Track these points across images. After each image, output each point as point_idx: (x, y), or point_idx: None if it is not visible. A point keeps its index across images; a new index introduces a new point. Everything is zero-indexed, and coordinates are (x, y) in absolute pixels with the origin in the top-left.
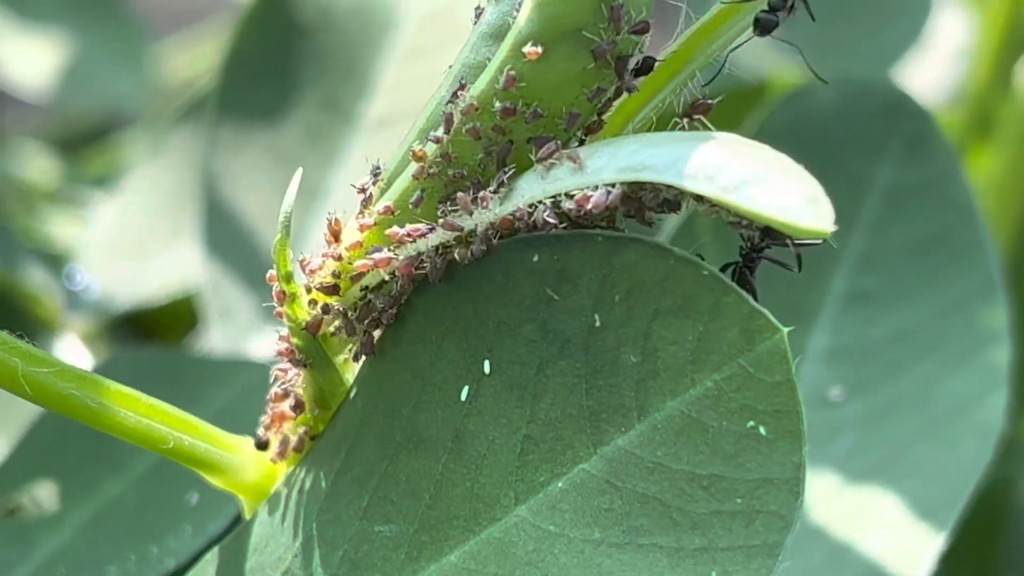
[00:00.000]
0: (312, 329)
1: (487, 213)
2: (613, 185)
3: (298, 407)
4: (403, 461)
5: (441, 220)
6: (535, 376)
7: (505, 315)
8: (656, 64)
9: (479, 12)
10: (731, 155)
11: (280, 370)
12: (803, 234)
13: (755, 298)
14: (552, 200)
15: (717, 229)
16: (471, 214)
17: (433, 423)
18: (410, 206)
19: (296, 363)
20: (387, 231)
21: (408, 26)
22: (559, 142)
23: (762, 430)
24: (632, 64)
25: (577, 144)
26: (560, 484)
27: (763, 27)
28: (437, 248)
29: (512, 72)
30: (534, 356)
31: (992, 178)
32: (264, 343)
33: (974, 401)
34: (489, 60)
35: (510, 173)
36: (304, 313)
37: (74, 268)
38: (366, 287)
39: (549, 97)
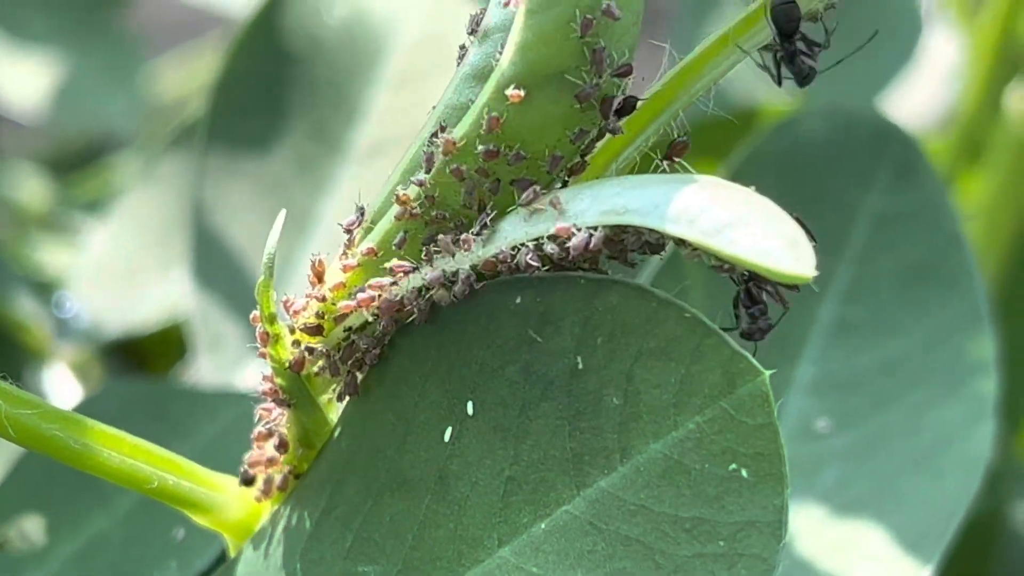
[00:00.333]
0: (296, 367)
1: (470, 255)
2: (596, 228)
3: (282, 446)
4: (387, 501)
5: (425, 261)
6: (518, 418)
7: (488, 356)
8: (638, 104)
9: (462, 53)
10: (712, 198)
11: (264, 409)
12: (784, 278)
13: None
14: (535, 243)
15: (703, 270)
16: (453, 256)
17: (417, 464)
18: (393, 247)
19: (280, 403)
20: (372, 281)
21: (398, 54)
22: (540, 185)
23: (744, 473)
24: (615, 105)
25: (560, 185)
26: (543, 525)
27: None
28: (420, 290)
29: (494, 114)
30: (517, 398)
31: (982, 202)
32: (253, 373)
33: (961, 432)
34: (472, 101)
35: (492, 215)
36: (287, 354)
37: (63, 295)
38: (349, 328)
39: (532, 139)
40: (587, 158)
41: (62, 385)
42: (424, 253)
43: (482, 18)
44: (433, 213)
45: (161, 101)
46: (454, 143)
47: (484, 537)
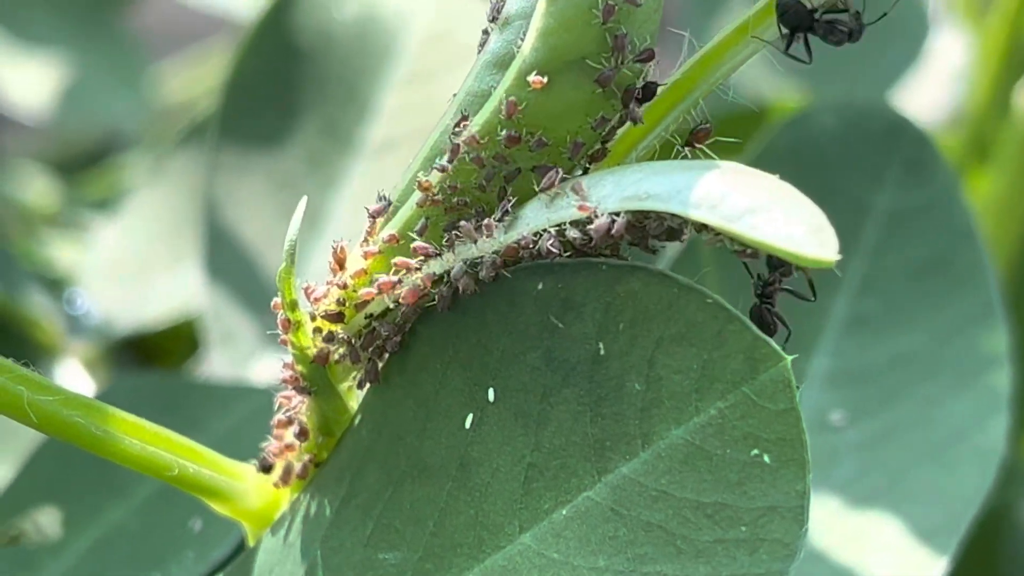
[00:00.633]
0: (320, 360)
1: (492, 241)
2: (618, 214)
3: (302, 434)
4: (407, 489)
5: (446, 247)
6: (539, 404)
7: (509, 343)
8: (659, 90)
9: (483, 40)
10: (735, 184)
11: (284, 397)
12: (808, 263)
13: (787, 332)
14: (556, 228)
15: (718, 258)
16: (475, 242)
17: (437, 451)
18: (415, 234)
19: (300, 391)
20: (396, 260)
21: (409, 51)
22: (561, 171)
23: (766, 458)
24: (636, 92)
25: (581, 172)
26: (564, 512)
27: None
28: (442, 277)
29: (512, 98)
30: (538, 384)
31: (990, 201)
32: (265, 368)
33: (974, 425)
34: (493, 88)
35: (514, 201)
36: (308, 341)
37: (75, 292)
38: (371, 315)
39: (553, 126)
40: (608, 145)
41: (74, 381)
42: (446, 240)
43: (503, 5)
44: (455, 200)
45: (167, 103)
46: (477, 135)
47: (505, 524)
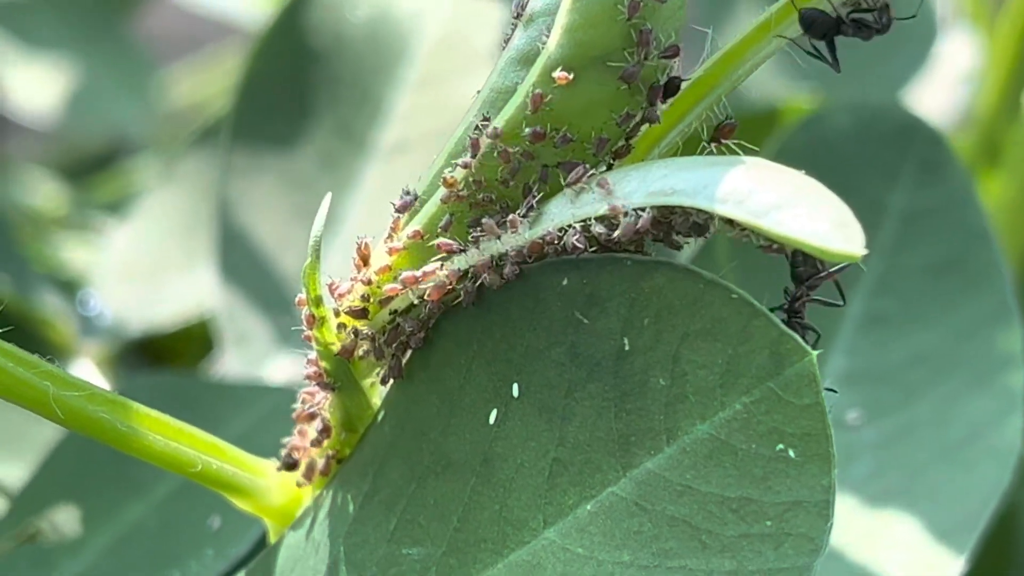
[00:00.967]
0: (346, 355)
1: (517, 237)
2: (643, 209)
3: (325, 430)
4: (431, 484)
5: (471, 243)
6: (564, 399)
7: (534, 338)
8: (682, 85)
9: (507, 37)
10: (760, 179)
11: (308, 393)
12: (834, 258)
13: (816, 342)
14: (582, 224)
15: (737, 257)
16: (500, 238)
17: (461, 446)
18: (439, 230)
19: (324, 386)
20: (424, 268)
21: (421, 53)
22: (587, 166)
23: (791, 453)
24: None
25: (606, 168)
26: (589, 507)
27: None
28: (467, 272)
29: (538, 91)
30: (563, 379)
31: (1001, 203)
32: (280, 369)
33: (991, 424)
34: (518, 85)
35: (539, 197)
36: (333, 336)
37: (87, 293)
38: (395, 311)
39: (578, 122)
40: (632, 141)
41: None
42: (470, 236)
43: (527, 2)
44: (479, 196)
45: (173, 108)
46: (499, 131)
47: (529, 519)
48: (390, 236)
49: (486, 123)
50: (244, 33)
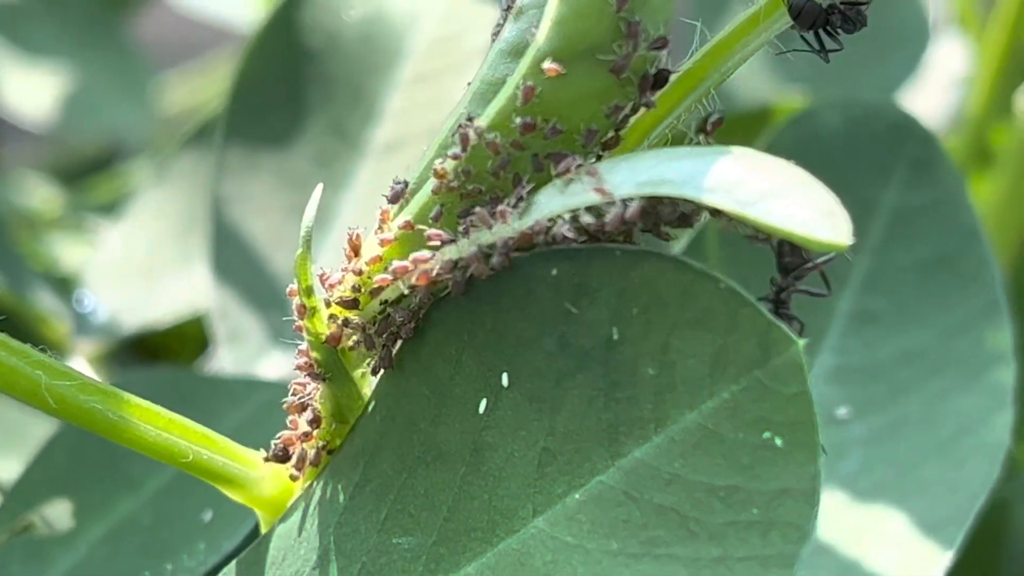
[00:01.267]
0: (333, 342)
1: (506, 227)
2: (632, 199)
3: (316, 421)
4: (421, 474)
5: (461, 234)
6: (553, 389)
7: (524, 328)
8: (671, 77)
9: (497, 29)
10: (748, 169)
11: (298, 384)
12: (820, 247)
13: (801, 331)
14: (571, 214)
15: (724, 250)
16: (490, 228)
17: (451, 436)
18: (430, 220)
19: (315, 377)
20: (413, 256)
21: (415, 53)
22: (578, 157)
23: (778, 441)
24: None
25: (595, 160)
26: (578, 496)
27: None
28: (456, 262)
29: (530, 83)
30: (552, 369)
31: (991, 205)
32: (273, 366)
33: (980, 420)
34: (508, 77)
35: (529, 188)
36: (324, 327)
37: (82, 291)
38: (385, 301)
39: (568, 113)
40: (621, 133)
41: None
42: (461, 226)
43: None
44: (470, 187)
45: (170, 113)
46: (487, 124)
47: (519, 508)
48: (380, 227)
49: (475, 116)
50: (241, 39)
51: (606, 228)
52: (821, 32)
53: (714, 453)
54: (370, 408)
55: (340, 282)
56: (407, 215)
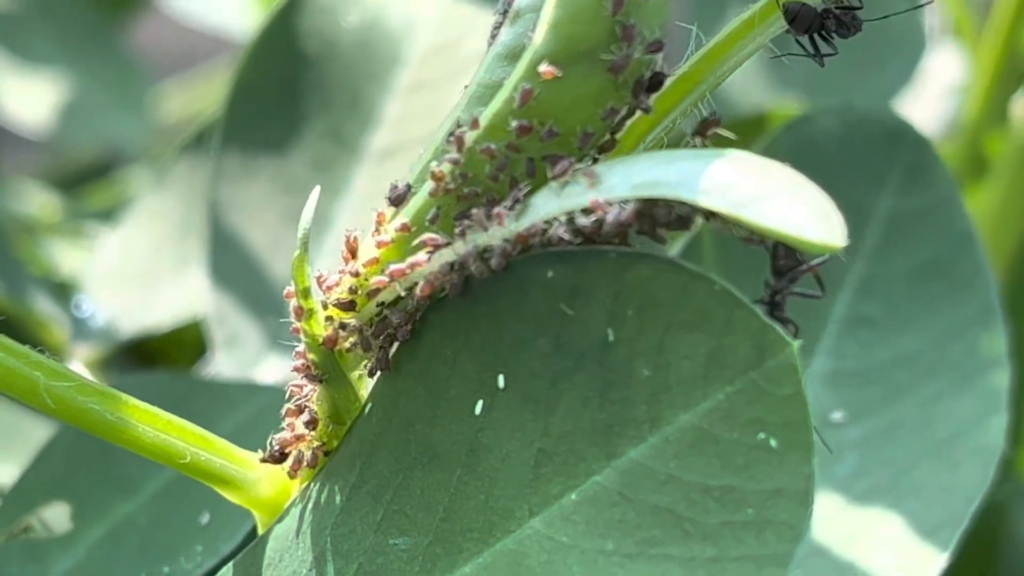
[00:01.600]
0: (329, 344)
1: (502, 229)
2: (627, 202)
3: (312, 423)
4: (418, 475)
5: (458, 236)
6: (549, 390)
7: (520, 330)
8: (666, 80)
9: (494, 33)
10: (743, 171)
11: (295, 386)
12: (814, 249)
13: (796, 334)
14: (567, 216)
15: (719, 252)
16: (487, 230)
17: (447, 437)
18: (427, 223)
19: (312, 379)
20: (411, 259)
21: (412, 60)
22: (574, 159)
23: (772, 442)
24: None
25: (591, 163)
26: (573, 496)
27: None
28: (453, 264)
29: (527, 86)
30: (548, 370)
31: (986, 212)
32: (270, 371)
33: (975, 424)
34: (504, 80)
35: (525, 190)
36: (321, 329)
37: (80, 297)
38: (382, 303)
39: (564, 116)
40: (617, 136)
41: None
42: (457, 228)
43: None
44: (467, 189)
45: (168, 122)
46: (481, 126)
47: (515, 508)
48: (377, 229)
49: (464, 124)
50: (239, 48)
51: (602, 230)
52: (816, 36)
53: (709, 453)
54: (367, 409)
55: (337, 284)
56: (404, 217)
